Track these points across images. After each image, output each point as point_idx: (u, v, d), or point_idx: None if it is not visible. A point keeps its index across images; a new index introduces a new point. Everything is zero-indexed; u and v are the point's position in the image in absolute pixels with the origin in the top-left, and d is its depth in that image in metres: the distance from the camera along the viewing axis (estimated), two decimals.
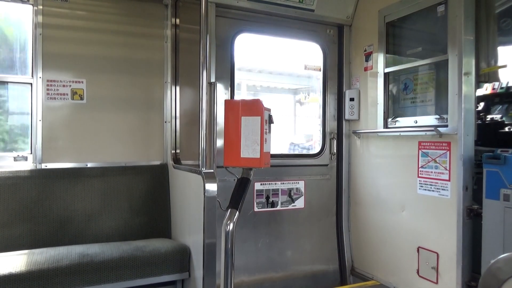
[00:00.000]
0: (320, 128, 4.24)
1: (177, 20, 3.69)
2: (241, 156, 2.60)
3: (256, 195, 3.83)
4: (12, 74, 3.34)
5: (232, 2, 3.61)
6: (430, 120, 3.29)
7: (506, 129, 3.24)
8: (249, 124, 2.58)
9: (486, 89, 3.58)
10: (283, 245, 3.98)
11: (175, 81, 3.68)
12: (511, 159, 2.63)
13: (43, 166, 3.31)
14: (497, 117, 3.44)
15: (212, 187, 2.66)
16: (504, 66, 3.20)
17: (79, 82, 3.44)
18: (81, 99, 3.44)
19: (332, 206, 4.22)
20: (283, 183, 3.96)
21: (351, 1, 4.04)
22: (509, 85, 3.47)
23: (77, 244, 3.10)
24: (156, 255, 2.96)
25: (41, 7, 3.30)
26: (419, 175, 3.32)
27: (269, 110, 2.66)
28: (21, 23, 3.35)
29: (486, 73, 3.30)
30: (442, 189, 3.12)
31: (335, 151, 4.20)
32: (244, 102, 2.61)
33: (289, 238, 4.00)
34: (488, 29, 3.17)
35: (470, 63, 2.99)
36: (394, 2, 3.56)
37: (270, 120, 2.68)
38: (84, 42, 3.46)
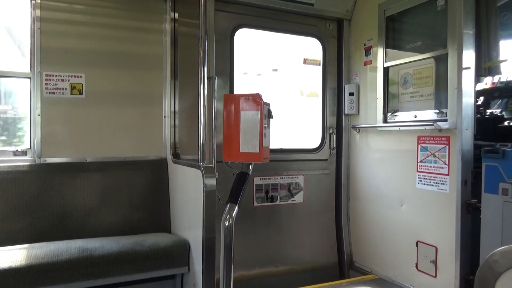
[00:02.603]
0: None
1: (176, 15, 3.68)
2: (240, 151, 2.60)
3: (256, 189, 3.84)
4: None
5: None
6: (430, 114, 3.29)
7: (506, 123, 3.24)
8: (248, 119, 2.58)
9: (485, 83, 3.57)
10: (282, 239, 3.99)
11: (175, 76, 3.67)
12: (510, 154, 2.63)
13: (43, 160, 3.31)
14: (496, 111, 3.43)
15: (211, 181, 2.66)
16: (505, 61, 3.19)
17: (78, 76, 3.42)
18: (80, 93, 3.43)
19: (331, 200, 4.23)
20: (282, 178, 3.96)
21: None
22: (509, 79, 3.46)
23: (76, 239, 3.10)
24: (156, 249, 2.97)
25: (39, 1, 3.28)
26: (418, 170, 3.33)
27: (268, 104, 2.66)
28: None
29: (486, 67, 3.29)
30: (441, 184, 3.12)
31: (334, 145, 4.21)
32: (243, 97, 2.60)
33: (288, 233, 4.01)
34: (488, 23, 3.17)
35: (470, 57, 2.98)
36: None
37: (269, 115, 2.68)
38: (82, 37, 3.44)
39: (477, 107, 3.26)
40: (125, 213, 3.44)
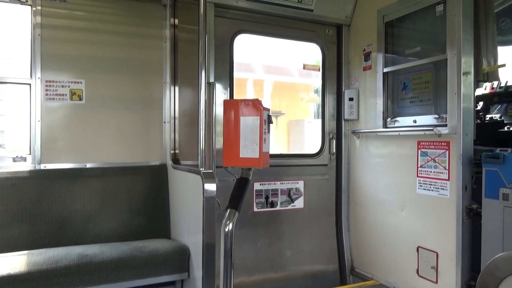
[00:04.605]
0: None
1: (176, 20, 3.69)
2: (240, 156, 2.60)
3: (256, 195, 3.83)
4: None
5: (231, 2, 3.61)
6: (429, 119, 3.29)
7: (505, 128, 3.24)
8: (248, 124, 2.59)
9: (485, 88, 3.59)
10: (283, 245, 3.97)
11: (174, 81, 3.68)
12: (510, 159, 2.63)
13: (42, 166, 3.31)
14: (496, 116, 3.44)
15: (211, 187, 2.66)
16: (504, 65, 3.20)
17: (78, 82, 3.43)
18: (80, 99, 3.44)
19: (331, 206, 4.22)
20: (282, 183, 3.96)
21: (350, 1, 4.04)
22: (508, 84, 3.47)
23: (76, 245, 3.10)
24: (156, 255, 2.96)
25: (39, 7, 3.30)
26: (419, 175, 3.32)
27: (268, 110, 2.66)
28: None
29: (485, 73, 3.30)
30: (442, 189, 3.11)
31: (334, 151, 4.20)
32: (243, 102, 2.61)
33: (288, 238, 4.00)
34: (487, 28, 3.18)
35: (469, 63, 2.99)
36: (393, 2, 3.56)
37: (269, 120, 2.68)
38: (82, 43, 3.45)
39: (476, 112, 3.26)
40: (125, 219, 3.43)
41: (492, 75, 3.23)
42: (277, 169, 3.92)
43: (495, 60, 3.23)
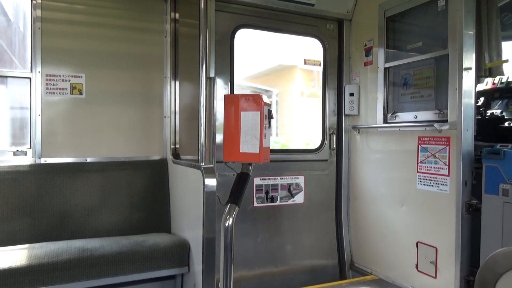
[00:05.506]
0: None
1: (177, 15, 3.68)
2: (241, 151, 2.59)
3: (256, 190, 3.84)
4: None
5: None
6: (430, 115, 3.29)
7: (506, 124, 3.24)
8: (248, 119, 2.58)
9: (486, 84, 3.58)
10: (283, 240, 3.99)
11: (175, 76, 3.67)
12: (510, 154, 2.63)
13: (43, 160, 3.31)
14: (497, 112, 3.44)
15: (211, 182, 2.66)
16: (507, 61, 3.19)
17: (78, 76, 3.43)
18: (80, 93, 3.44)
19: (331, 201, 4.22)
20: (282, 178, 3.96)
21: None
22: (509, 80, 3.46)
23: (76, 239, 3.11)
24: (156, 249, 2.97)
25: (39, 1, 3.28)
26: (419, 170, 3.32)
27: (268, 105, 2.66)
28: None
29: (487, 68, 3.28)
30: (442, 184, 3.12)
31: (334, 146, 4.20)
32: (243, 97, 2.60)
33: (288, 233, 4.01)
34: (489, 23, 3.16)
35: (470, 58, 2.98)
36: None
37: (270, 115, 2.67)
38: (83, 37, 3.44)
39: (477, 108, 3.26)
40: (125, 213, 3.44)
41: (496, 70, 3.21)
42: (278, 164, 3.92)
43: (499, 55, 3.20)
